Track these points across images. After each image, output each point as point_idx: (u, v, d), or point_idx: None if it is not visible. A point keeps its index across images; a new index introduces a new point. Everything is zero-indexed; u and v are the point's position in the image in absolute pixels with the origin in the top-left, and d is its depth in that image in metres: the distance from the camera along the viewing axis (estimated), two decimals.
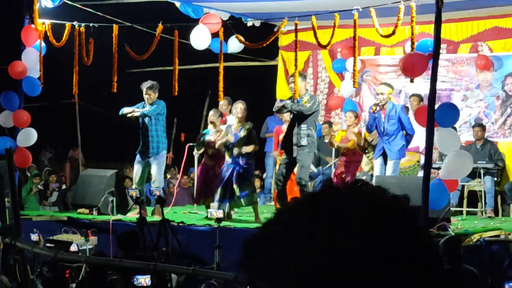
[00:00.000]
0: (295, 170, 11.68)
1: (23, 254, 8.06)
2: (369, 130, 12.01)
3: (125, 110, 12.28)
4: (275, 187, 11.64)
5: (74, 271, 9.38)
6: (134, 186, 12.37)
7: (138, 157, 12.31)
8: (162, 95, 12.54)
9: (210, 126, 12.58)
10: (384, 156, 11.70)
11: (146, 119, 12.17)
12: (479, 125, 13.38)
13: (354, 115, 13.18)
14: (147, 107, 12.18)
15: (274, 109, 12.08)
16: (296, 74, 11.52)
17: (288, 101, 11.54)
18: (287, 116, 12.56)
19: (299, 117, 11.36)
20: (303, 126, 11.29)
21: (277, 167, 13.01)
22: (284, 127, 12.71)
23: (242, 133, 11.62)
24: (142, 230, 9.64)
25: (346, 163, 13.09)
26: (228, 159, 11.76)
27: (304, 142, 11.26)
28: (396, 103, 12.40)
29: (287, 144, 11.53)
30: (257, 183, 15.12)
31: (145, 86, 12.14)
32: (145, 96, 12.16)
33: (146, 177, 12.51)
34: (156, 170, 12.22)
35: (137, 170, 12.32)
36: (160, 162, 12.31)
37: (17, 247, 7.89)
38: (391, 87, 11.94)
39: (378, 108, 11.60)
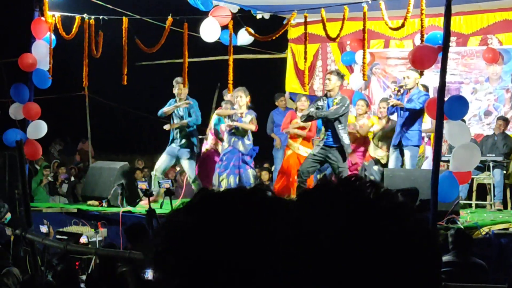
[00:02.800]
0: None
1: (34, 246, 8.10)
2: (390, 113, 12.00)
3: (165, 109, 12.54)
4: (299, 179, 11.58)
5: (84, 263, 9.42)
6: (154, 173, 12.68)
7: (169, 149, 12.68)
8: (172, 88, 12.65)
9: (225, 119, 12.79)
10: (400, 147, 11.72)
11: (182, 114, 12.38)
12: (504, 119, 13.36)
13: (365, 103, 13.12)
14: (181, 109, 12.53)
15: (301, 119, 12.02)
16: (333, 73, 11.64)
17: (312, 109, 11.47)
18: (301, 105, 12.57)
19: (328, 120, 11.38)
20: (339, 126, 11.28)
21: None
22: (299, 114, 12.67)
23: (247, 119, 11.96)
24: (151, 222, 9.66)
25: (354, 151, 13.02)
26: (225, 145, 12.13)
27: (346, 141, 11.28)
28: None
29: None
30: (266, 175, 15.14)
31: (178, 80, 12.50)
32: (176, 90, 12.49)
33: (168, 168, 12.85)
34: (189, 167, 12.61)
35: (164, 159, 12.63)
36: (192, 157, 12.73)
37: (28, 238, 7.93)
38: (420, 74, 11.84)
39: (402, 90, 11.64)
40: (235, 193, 1.20)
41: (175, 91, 12.59)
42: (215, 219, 1.14)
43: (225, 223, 1.13)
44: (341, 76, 11.74)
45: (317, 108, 11.38)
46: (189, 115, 12.58)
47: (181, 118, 12.54)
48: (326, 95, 11.55)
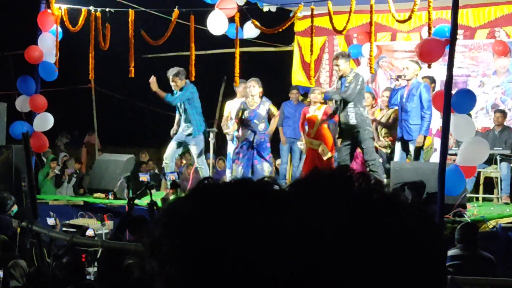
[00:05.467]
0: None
1: (40, 238, 8.11)
2: (391, 105, 12.01)
3: (157, 91, 12.27)
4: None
5: (90, 255, 9.43)
6: (164, 162, 12.52)
7: (177, 136, 12.48)
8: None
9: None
10: (403, 140, 11.74)
11: (178, 104, 12.26)
12: (501, 111, 13.29)
13: (371, 96, 13.09)
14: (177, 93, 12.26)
15: (318, 97, 11.98)
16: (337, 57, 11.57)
17: (330, 89, 11.49)
18: (314, 98, 12.52)
19: (343, 101, 11.37)
20: (350, 104, 11.25)
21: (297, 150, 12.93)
22: (310, 108, 12.66)
23: (263, 110, 11.92)
24: (153, 214, 9.66)
25: None
26: (240, 135, 12.09)
27: (353, 121, 11.27)
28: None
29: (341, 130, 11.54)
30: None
31: (170, 73, 12.19)
32: (172, 84, 12.20)
33: (176, 156, 12.71)
34: (196, 151, 12.39)
35: (172, 146, 12.47)
36: (198, 143, 12.42)
37: (34, 231, 7.94)
38: (419, 66, 11.85)
39: (400, 80, 11.65)
40: (239, 184, 1.19)
41: (171, 85, 12.37)
42: (217, 208, 1.12)
43: (228, 212, 1.11)
44: (347, 56, 11.71)
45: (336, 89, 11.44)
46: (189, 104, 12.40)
47: (185, 110, 12.35)
48: (340, 77, 11.53)
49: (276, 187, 1.18)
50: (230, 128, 12.94)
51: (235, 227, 1.10)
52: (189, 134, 12.28)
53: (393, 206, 1.18)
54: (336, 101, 11.58)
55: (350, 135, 11.32)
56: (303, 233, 1.10)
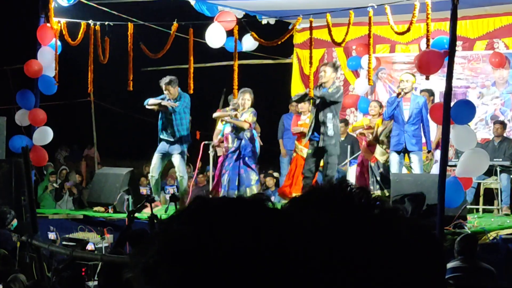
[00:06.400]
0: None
1: (40, 252, 8.10)
2: (387, 118, 12.00)
3: (151, 101, 12.36)
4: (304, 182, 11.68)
5: (91, 269, 9.41)
6: (150, 175, 12.50)
7: (160, 147, 12.42)
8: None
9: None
10: (404, 151, 11.73)
11: (167, 113, 12.27)
12: (500, 122, 13.27)
13: (378, 104, 12.99)
14: (176, 102, 12.27)
15: (294, 98, 12.06)
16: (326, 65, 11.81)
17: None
18: (305, 108, 12.66)
19: (322, 105, 11.40)
20: (329, 115, 11.33)
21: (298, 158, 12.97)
22: (302, 117, 12.78)
23: (243, 117, 11.98)
24: (154, 227, 9.63)
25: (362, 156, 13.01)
26: (230, 145, 12.14)
27: (330, 132, 11.31)
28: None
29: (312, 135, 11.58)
30: (271, 181, 15.10)
31: (163, 82, 12.29)
32: (165, 92, 12.27)
33: (163, 167, 12.68)
34: (179, 162, 12.41)
35: (156, 159, 12.44)
36: (183, 154, 12.48)
37: (34, 245, 7.93)
38: (415, 77, 11.90)
39: (402, 94, 11.68)
40: (234, 203, 1.17)
41: (165, 93, 12.43)
42: (213, 231, 1.09)
43: (225, 236, 1.09)
44: (336, 68, 11.82)
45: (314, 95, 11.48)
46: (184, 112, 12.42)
47: (173, 119, 12.35)
48: (320, 85, 11.58)
49: (269, 203, 1.17)
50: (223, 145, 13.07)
51: (231, 252, 1.08)
52: (174, 143, 12.32)
53: (393, 221, 1.18)
54: (315, 103, 11.59)
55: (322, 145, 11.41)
56: (305, 251, 1.10)
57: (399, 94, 11.76)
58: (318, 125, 11.49)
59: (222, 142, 12.68)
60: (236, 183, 12.10)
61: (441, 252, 1.24)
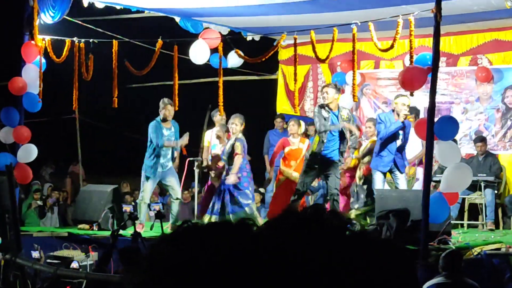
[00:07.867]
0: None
1: (24, 270, 8.06)
2: (383, 138, 11.94)
3: (166, 143, 12.13)
4: (294, 197, 11.73)
5: (75, 287, 9.36)
6: (141, 201, 12.31)
7: (154, 173, 12.27)
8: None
9: (216, 141, 12.77)
10: (391, 171, 11.79)
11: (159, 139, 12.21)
12: (481, 140, 13.27)
13: (373, 123, 12.90)
14: (171, 131, 12.29)
15: (321, 129, 11.76)
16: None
17: (324, 122, 11.43)
18: (289, 129, 12.70)
19: (342, 135, 11.55)
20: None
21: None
22: (292, 140, 12.79)
23: (228, 146, 11.98)
24: (137, 245, 9.62)
25: (350, 177, 12.97)
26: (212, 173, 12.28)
27: (336, 158, 11.54)
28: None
29: (318, 159, 11.55)
30: (257, 197, 15.10)
31: (168, 101, 12.21)
32: (165, 112, 12.17)
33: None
34: (175, 181, 12.37)
35: (151, 186, 12.36)
36: (175, 173, 12.49)
37: (18, 263, 7.90)
38: (409, 99, 11.92)
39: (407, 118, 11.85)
40: (221, 226, 1.20)
41: (163, 112, 12.26)
42: (200, 255, 1.12)
43: (211, 260, 1.11)
44: (338, 89, 11.73)
45: (324, 119, 11.38)
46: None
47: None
48: (323, 106, 11.51)
49: (254, 228, 1.20)
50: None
51: (217, 275, 1.10)
52: (168, 167, 12.27)
53: (365, 243, 1.19)
54: (320, 133, 11.54)
55: (325, 166, 11.45)
56: (282, 275, 1.11)
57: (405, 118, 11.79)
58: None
59: (218, 166, 12.65)
60: (230, 205, 12.03)
61: (415, 273, 1.25)
